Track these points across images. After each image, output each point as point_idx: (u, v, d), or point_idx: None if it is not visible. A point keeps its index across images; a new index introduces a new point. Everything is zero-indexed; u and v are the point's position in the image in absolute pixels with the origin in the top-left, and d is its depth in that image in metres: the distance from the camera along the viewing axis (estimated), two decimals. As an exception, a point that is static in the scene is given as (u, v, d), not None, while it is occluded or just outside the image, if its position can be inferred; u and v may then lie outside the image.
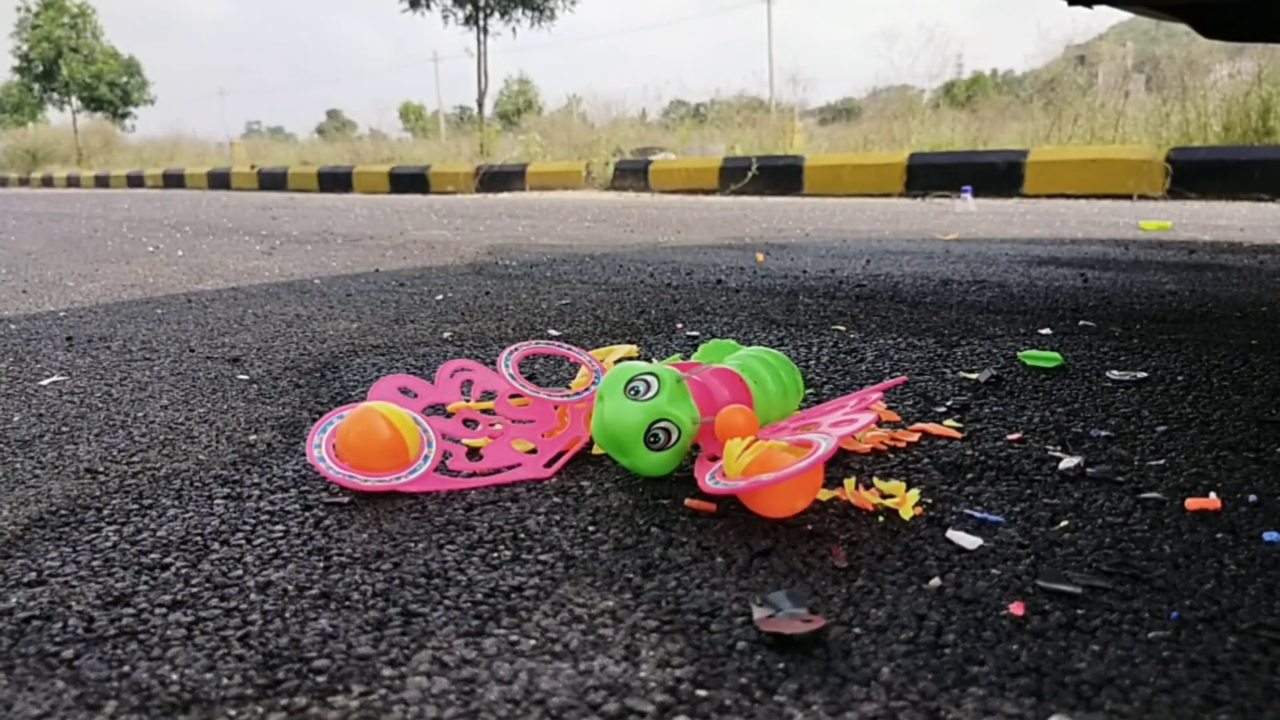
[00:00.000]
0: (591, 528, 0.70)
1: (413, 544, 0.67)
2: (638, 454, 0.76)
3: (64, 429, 0.99)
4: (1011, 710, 0.46)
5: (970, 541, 0.65)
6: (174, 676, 0.50)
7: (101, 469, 0.85)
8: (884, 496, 0.73)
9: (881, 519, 0.70)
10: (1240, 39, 2.01)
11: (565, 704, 0.47)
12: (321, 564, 0.64)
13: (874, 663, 0.50)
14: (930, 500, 0.73)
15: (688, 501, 0.73)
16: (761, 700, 0.47)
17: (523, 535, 0.69)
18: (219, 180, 12.24)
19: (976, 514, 0.70)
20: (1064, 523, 0.68)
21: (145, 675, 0.50)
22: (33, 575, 0.63)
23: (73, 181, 15.63)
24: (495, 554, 0.65)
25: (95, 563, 0.65)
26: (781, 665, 0.50)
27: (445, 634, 0.54)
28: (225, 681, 0.50)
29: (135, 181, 13.91)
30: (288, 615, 0.57)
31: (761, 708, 0.46)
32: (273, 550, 0.66)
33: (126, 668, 0.51)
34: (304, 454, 0.88)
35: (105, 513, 0.74)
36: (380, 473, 0.77)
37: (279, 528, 0.71)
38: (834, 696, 0.47)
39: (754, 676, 0.49)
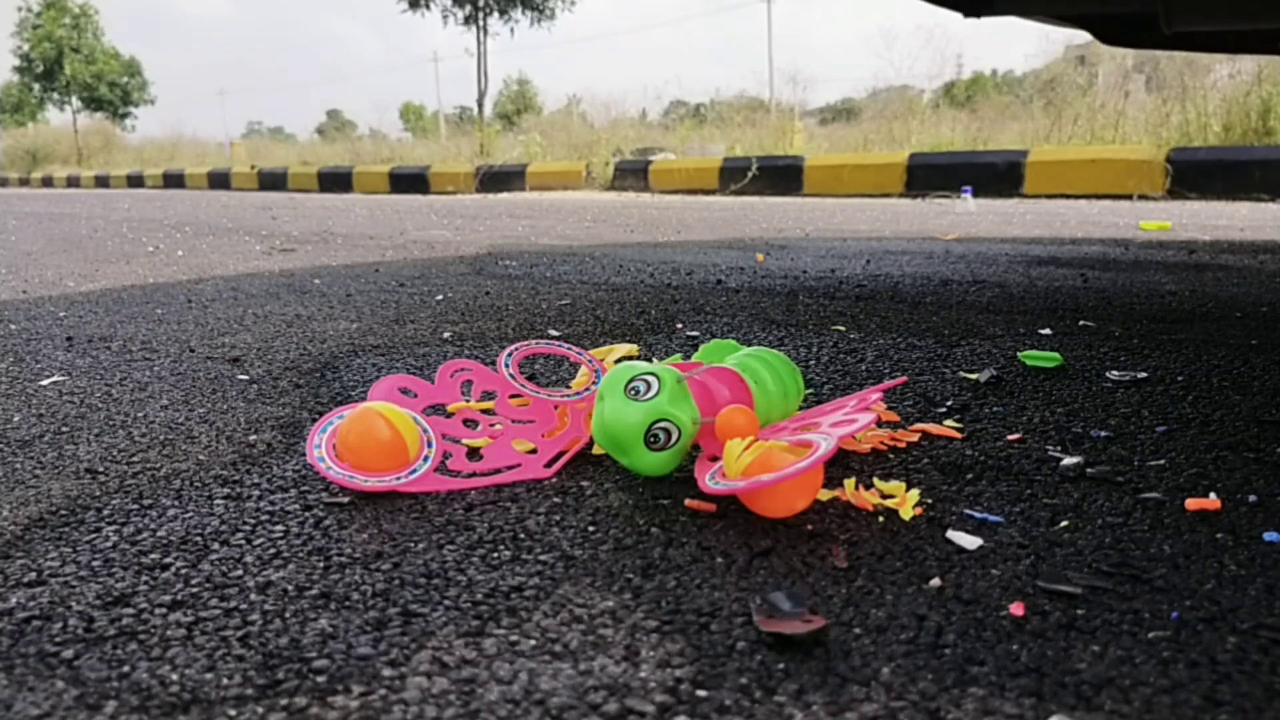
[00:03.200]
0: (591, 528, 0.70)
1: (413, 544, 0.67)
2: (638, 454, 0.76)
3: (64, 429, 0.99)
4: (1011, 710, 0.46)
5: (970, 541, 0.65)
6: (174, 676, 0.50)
7: (101, 469, 0.85)
8: (884, 496, 0.73)
9: (881, 519, 0.70)
10: (1140, 46, 2.02)
11: (565, 704, 0.47)
12: (321, 564, 0.64)
13: (874, 663, 0.50)
14: (930, 500, 0.73)
15: (688, 501, 0.73)
16: (761, 700, 0.47)
17: (523, 535, 0.69)
18: (219, 180, 12.24)
19: (976, 514, 0.70)
20: (1064, 523, 0.68)
21: (145, 675, 0.50)
22: (33, 575, 0.63)
23: (73, 181, 15.62)
24: (495, 554, 0.65)
25: (95, 563, 0.65)
26: (781, 665, 0.50)
27: (445, 634, 0.54)
28: (225, 681, 0.50)
29: (135, 181, 13.90)
30: (288, 615, 0.57)
31: (761, 708, 0.46)
32: (273, 550, 0.66)
33: (126, 668, 0.51)
34: (304, 454, 0.88)
35: (105, 513, 0.74)
36: (380, 473, 0.77)
37: (279, 528, 0.71)
38: (834, 696, 0.47)
39: (754, 676, 0.49)
